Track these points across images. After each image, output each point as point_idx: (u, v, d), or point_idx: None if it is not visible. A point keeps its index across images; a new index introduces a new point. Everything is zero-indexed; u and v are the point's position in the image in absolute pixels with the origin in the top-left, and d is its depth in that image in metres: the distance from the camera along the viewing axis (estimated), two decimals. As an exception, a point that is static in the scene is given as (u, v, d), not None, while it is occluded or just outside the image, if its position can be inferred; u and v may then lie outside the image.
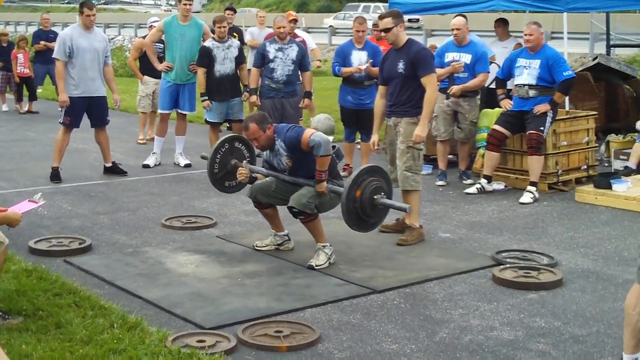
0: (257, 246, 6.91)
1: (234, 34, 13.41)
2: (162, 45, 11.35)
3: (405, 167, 7.20)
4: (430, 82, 7.11)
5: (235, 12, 13.89)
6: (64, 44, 9.47)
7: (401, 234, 7.21)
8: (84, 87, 9.60)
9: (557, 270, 6.24)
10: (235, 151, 7.18)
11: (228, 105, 10.27)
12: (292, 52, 9.90)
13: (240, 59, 10.32)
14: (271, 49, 9.89)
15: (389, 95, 7.38)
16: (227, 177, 7.21)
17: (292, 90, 10.09)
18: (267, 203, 6.76)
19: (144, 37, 12.88)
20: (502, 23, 11.44)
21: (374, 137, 7.53)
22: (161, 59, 11.03)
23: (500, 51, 10.82)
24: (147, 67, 12.00)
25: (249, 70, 10.57)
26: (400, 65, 7.19)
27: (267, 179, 6.75)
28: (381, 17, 7.33)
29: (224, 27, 10.18)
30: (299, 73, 10.13)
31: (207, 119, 10.41)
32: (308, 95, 10.26)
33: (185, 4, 10.51)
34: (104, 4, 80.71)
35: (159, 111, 10.98)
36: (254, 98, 10.15)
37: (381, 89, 7.51)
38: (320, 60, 14.24)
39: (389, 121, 7.45)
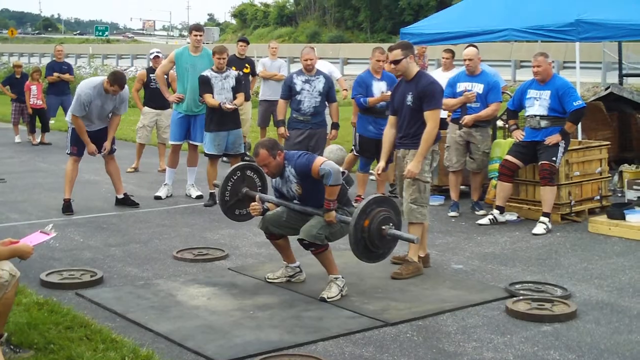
0: (268, 278, 6.91)
1: (246, 65, 13.52)
2: (165, 76, 11.43)
3: (410, 199, 7.19)
4: (431, 118, 7.06)
5: (248, 43, 13.97)
6: (83, 104, 9.41)
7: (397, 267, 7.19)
8: (89, 128, 9.65)
9: (571, 302, 6.20)
10: (247, 179, 7.20)
11: (227, 138, 10.14)
12: (319, 83, 9.90)
13: (237, 89, 10.18)
14: (298, 81, 9.88)
15: (399, 126, 7.37)
16: (238, 205, 7.22)
17: (319, 121, 10.09)
18: (279, 234, 6.77)
19: (147, 69, 13.03)
20: (451, 54, 11.44)
21: (381, 164, 7.52)
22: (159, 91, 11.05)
23: (444, 82, 9.73)
24: (150, 98, 12.08)
25: (274, 101, 10.51)
26: (409, 98, 7.19)
27: (278, 209, 6.76)
28: (391, 49, 7.35)
29: (224, 58, 10.06)
30: (327, 104, 10.17)
31: (206, 151, 10.25)
32: (335, 126, 10.30)
33: (196, 35, 10.59)
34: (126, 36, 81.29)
35: (170, 142, 11.02)
36: (282, 130, 10.16)
37: (391, 119, 7.52)
38: (346, 90, 14.26)
39: (398, 152, 7.46)
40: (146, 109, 12.66)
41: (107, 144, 9.85)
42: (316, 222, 6.39)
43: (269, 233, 6.78)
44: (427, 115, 7.07)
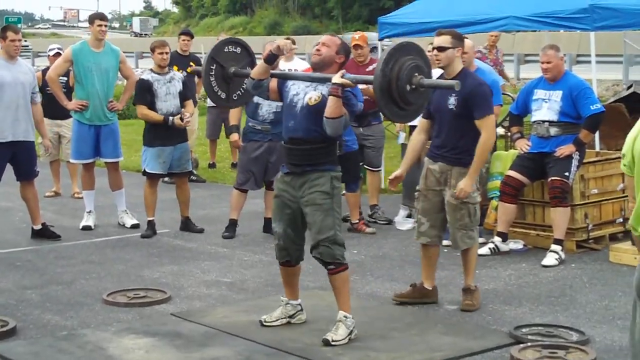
0: (265, 322, 6.78)
1: (191, 63, 13.49)
2: (66, 78, 11.35)
3: (459, 225, 7.28)
4: (486, 126, 7.22)
5: (192, 37, 13.98)
6: None
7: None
8: (7, 131, 9.54)
9: (590, 349, 6.25)
10: (231, 57, 7.17)
11: (173, 153, 10.06)
12: None
13: (185, 94, 10.18)
14: None
15: (435, 133, 7.41)
16: (234, 89, 7.24)
17: (281, 132, 9.88)
18: (297, 254, 6.69)
19: (43, 70, 12.91)
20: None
21: (399, 172, 7.43)
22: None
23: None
24: (47, 106, 11.97)
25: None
26: (452, 100, 7.22)
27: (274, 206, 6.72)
28: (439, 34, 7.40)
29: (167, 53, 10.06)
30: None
31: (147, 170, 10.15)
32: (235, 129, 10.19)
33: (100, 25, 10.36)
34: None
35: (76, 161, 10.85)
36: (235, 137, 10.06)
37: (423, 122, 7.53)
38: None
39: (432, 164, 7.40)
40: (45, 120, 12.51)
41: (46, 142, 10.50)
42: (326, 231, 6.36)
43: (288, 258, 6.68)
44: (481, 123, 7.19)
